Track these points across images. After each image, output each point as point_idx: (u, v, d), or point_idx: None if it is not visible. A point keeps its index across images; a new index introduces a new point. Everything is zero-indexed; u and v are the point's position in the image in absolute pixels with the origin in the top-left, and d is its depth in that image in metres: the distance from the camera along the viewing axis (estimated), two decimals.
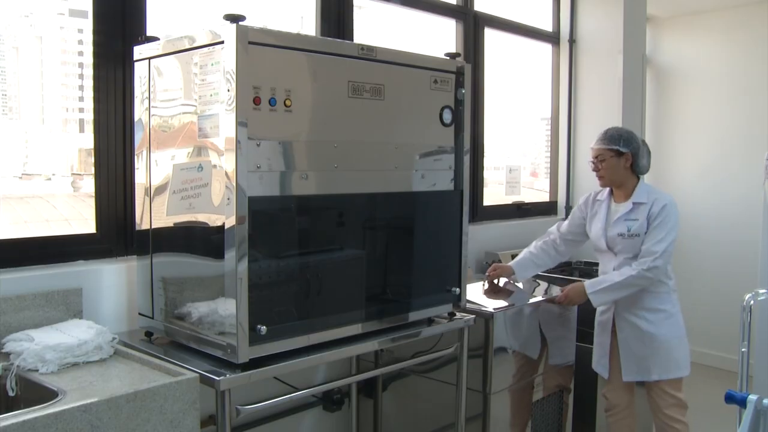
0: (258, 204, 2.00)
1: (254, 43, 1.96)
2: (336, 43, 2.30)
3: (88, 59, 2.52)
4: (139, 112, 2.33)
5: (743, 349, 2.35)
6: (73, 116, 2.80)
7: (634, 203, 3.14)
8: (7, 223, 2.47)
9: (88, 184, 2.58)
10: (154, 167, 2.28)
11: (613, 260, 3.19)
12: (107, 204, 2.53)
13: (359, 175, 2.34)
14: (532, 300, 3.27)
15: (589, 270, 3.99)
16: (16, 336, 2.08)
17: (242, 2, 2.56)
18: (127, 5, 2.52)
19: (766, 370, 4.34)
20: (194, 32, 2.08)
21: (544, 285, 3.61)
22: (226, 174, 1.96)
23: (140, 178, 2.35)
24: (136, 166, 2.38)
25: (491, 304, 3.04)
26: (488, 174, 4.38)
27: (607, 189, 3.27)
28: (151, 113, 2.27)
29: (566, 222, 3.47)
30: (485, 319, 2.95)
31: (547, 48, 4.86)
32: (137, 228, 2.38)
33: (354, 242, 2.39)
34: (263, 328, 2.02)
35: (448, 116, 2.59)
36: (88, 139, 2.57)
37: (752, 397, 2.05)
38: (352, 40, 3.29)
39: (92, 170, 2.53)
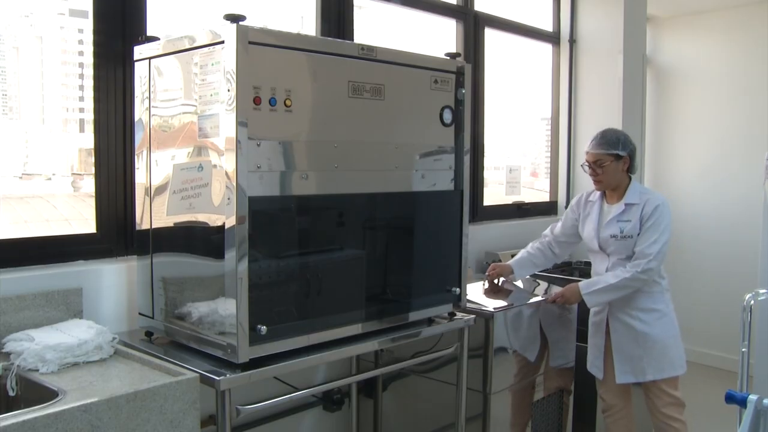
0: (258, 204, 2.00)
1: (254, 43, 1.96)
2: (336, 43, 2.30)
3: (89, 59, 2.52)
4: (140, 112, 2.33)
5: (743, 349, 2.35)
6: (73, 116, 2.80)
7: (626, 204, 3.13)
8: (7, 223, 2.47)
9: (89, 184, 2.58)
10: (154, 167, 2.28)
11: (606, 261, 3.20)
12: (107, 204, 2.53)
13: (359, 175, 2.34)
14: (531, 300, 3.27)
15: (589, 270, 3.97)
16: (17, 336, 2.08)
17: (242, 2, 2.56)
18: (127, 5, 2.52)
19: (767, 370, 4.34)
20: (194, 32, 2.08)
21: (544, 285, 3.61)
22: (227, 174, 1.96)
23: (140, 178, 2.35)
24: (136, 166, 2.38)
25: (491, 304, 3.04)
26: (488, 174, 4.38)
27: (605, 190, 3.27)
28: (152, 113, 2.27)
29: (559, 224, 3.46)
30: (485, 319, 2.95)
31: (547, 48, 4.86)
32: (137, 228, 2.39)
33: (354, 242, 2.39)
34: (263, 328, 2.02)
35: (448, 116, 2.59)
36: (88, 139, 2.57)
37: (752, 397, 2.05)
38: (353, 40, 3.29)
39: (92, 170, 2.53)
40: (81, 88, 2.71)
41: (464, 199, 2.67)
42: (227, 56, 1.94)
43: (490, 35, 4.26)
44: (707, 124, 5.54)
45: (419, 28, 4.00)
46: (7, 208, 2.52)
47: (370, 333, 2.40)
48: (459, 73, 2.62)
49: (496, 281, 3.43)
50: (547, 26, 4.84)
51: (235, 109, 1.93)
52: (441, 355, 2.78)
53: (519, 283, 3.51)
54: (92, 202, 2.53)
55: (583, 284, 3.15)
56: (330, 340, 2.27)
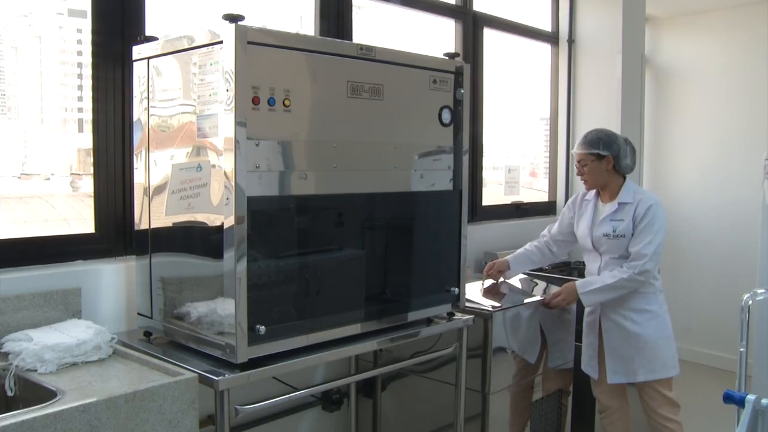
0: (257, 204, 2.00)
1: (253, 43, 1.96)
2: (335, 43, 2.30)
3: (87, 59, 2.52)
4: (138, 111, 2.33)
5: (741, 349, 2.35)
6: (72, 116, 2.80)
7: (619, 203, 3.14)
8: (6, 223, 2.46)
9: (87, 184, 2.58)
10: (153, 167, 2.28)
11: (598, 260, 3.20)
12: (106, 204, 2.53)
13: (358, 175, 2.34)
14: (529, 300, 3.27)
15: None
16: (15, 336, 2.08)
17: (241, 2, 2.56)
18: (126, 5, 2.52)
19: (765, 370, 4.34)
20: (193, 32, 2.08)
21: (542, 284, 3.61)
22: (225, 174, 1.96)
23: (139, 178, 2.35)
24: (135, 166, 2.38)
25: (489, 303, 3.04)
26: (487, 174, 4.38)
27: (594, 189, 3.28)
28: (150, 113, 2.27)
29: (556, 224, 3.47)
30: (484, 319, 2.95)
31: (546, 48, 4.86)
32: (136, 228, 2.38)
33: (353, 242, 2.39)
34: (262, 328, 2.02)
35: (447, 116, 2.59)
36: (87, 139, 2.56)
37: (750, 397, 2.05)
38: (351, 40, 3.29)
39: (91, 170, 2.53)
40: (80, 88, 2.71)
41: (463, 199, 2.67)
42: (226, 56, 1.94)
43: (489, 35, 4.26)
44: (706, 124, 5.54)
45: (418, 28, 4.00)
46: (5, 208, 2.52)
47: (369, 333, 2.40)
48: (458, 73, 2.62)
49: (494, 279, 3.43)
50: (546, 26, 4.84)
51: (233, 109, 1.93)
52: (440, 355, 2.78)
53: (517, 284, 3.51)
54: (91, 202, 2.53)
55: (580, 283, 3.15)
56: (329, 340, 2.27)
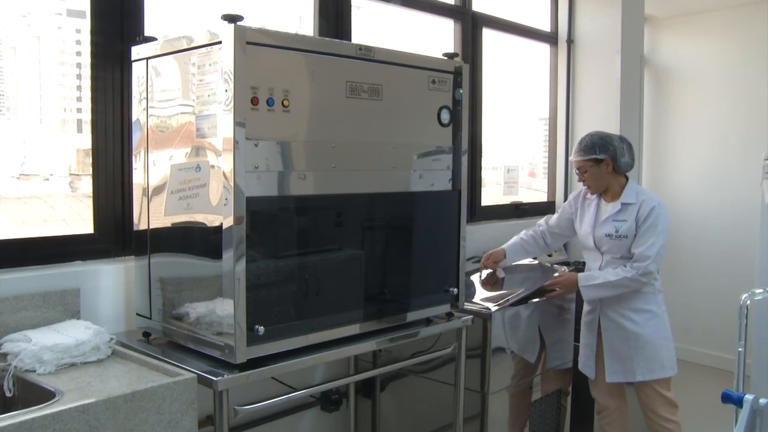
0: (256, 204, 2.00)
1: (252, 44, 1.96)
2: (334, 44, 2.30)
3: (86, 59, 2.52)
4: (137, 112, 2.33)
5: (740, 349, 2.36)
6: (71, 116, 2.80)
7: (622, 204, 3.14)
8: (4, 224, 2.46)
9: (86, 185, 2.58)
10: (151, 167, 2.28)
11: (599, 259, 3.21)
12: (105, 204, 2.53)
13: (357, 175, 2.34)
14: (527, 293, 3.26)
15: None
16: (14, 336, 2.08)
17: (241, 2, 2.56)
18: (125, 5, 2.52)
19: (764, 370, 4.35)
20: (192, 32, 2.08)
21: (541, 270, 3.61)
22: (224, 174, 1.96)
23: (138, 178, 2.35)
24: (133, 167, 2.38)
25: (487, 295, 3.03)
26: (486, 174, 4.38)
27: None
28: (149, 113, 2.27)
29: (555, 216, 3.48)
30: (483, 319, 2.95)
31: (545, 48, 4.86)
32: (135, 228, 2.38)
33: (352, 242, 2.39)
34: (261, 329, 2.01)
35: (446, 116, 2.59)
36: (86, 140, 2.56)
37: (748, 397, 2.05)
38: (350, 40, 3.29)
39: (90, 170, 2.53)
40: (79, 88, 2.71)
41: (462, 199, 2.67)
42: (225, 56, 1.94)
43: (488, 35, 4.26)
44: (705, 124, 5.55)
45: (417, 29, 4.00)
46: (4, 209, 2.52)
47: (368, 333, 2.40)
48: (457, 73, 2.62)
49: (491, 270, 3.42)
50: (545, 26, 4.84)
51: (232, 109, 1.93)
52: (439, 355, 2.78)
53: (516, 271, 3.50)
54: (90, 202, 2.52)
55: (582, 276, 3.15)
56: (328, 341, 2.27)
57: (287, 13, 3.34)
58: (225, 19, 1.93)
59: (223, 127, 1.96)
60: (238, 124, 1.93)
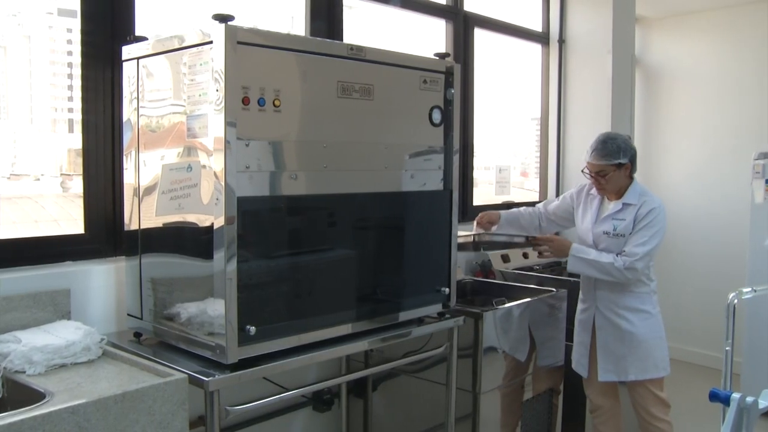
0: (247, 204, 2.00)
1: (243, 43, 1.96)
2: (325, 43, 2.29)
3: (77, 59, 2.51)
4: (128, 112, 2.33)
5: (727, 348, 2.38)
6: (62, 116, 2.79)
7: (623, 204, 3.15)
8: None
9: (78, 185, 2.57)
10: (142, 167, 2.27)
11: None
12: (96, 204, 2.52)
13: (349, 175, 2.34)
14: (518, 239, 3.28)
15: None
16: (3, 337, 2.07)
17: (233, 2, 2.56)
18: (115, 5, 2.51)
19: (754, 368, 4.38)
20: (183, 32, 2.08)
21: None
22: (215, 174, 1.96)
23: (129, 178, 2.34)
24: (124, 167, 2.37)
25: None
26: (478, 174, 4.38)
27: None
28: (140, 113, 2.27)
29: (555, 203, 3.47)
30: (475, 319, 2.95)
31: (536, 48, 4.88)
32: (126, 228, 2.38)
33: (344, 242, 2.39)
34: (252, 329, 2.01)
35: (437, 116, 2.60)
36: (77, 140, 2.55)
37: (735, 396, 2.07)
38: (342, 40, 3.29)
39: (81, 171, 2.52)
40: (70, 88, 2.70)
41: (454, 198, 2.67)
42: (216, 56, 1.93)
43: (480, 35, 4.27)
44: (696, 124, 5.57)
45: (409, 29, 4.01)
46: None
47: (360, 333, 2.40)
48: (448, 73, 2.63)
49: (485, 230, 3.39)
50: (537, 27, 4.85)
51: (223, 109, 1.92)
52: (431, 355, 2.78)
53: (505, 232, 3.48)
54: (81, 202, 2.51)
55: (575, 247, 3.15)
56: (320, 341, 2.27)
57: (280, 13, 3.34)
58: (216, 19, 1.93)
59: (214, 127, 1.96)
60: (229, 124, 1.93)
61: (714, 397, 2.13)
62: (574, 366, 3.36)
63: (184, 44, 2.07)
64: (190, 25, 2.29)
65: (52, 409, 1.65)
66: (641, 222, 3.08)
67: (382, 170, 2.45)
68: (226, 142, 1.93)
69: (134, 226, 2.33)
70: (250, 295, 2.03)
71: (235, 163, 1.96)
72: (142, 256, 2.31)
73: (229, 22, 1.92)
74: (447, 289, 2.66)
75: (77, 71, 2.51)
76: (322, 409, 3.14)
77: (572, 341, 3.41)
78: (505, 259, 4.05)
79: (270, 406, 2.79)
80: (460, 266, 3.86)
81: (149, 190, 2.25)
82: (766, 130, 5.07)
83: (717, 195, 5.40)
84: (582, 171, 3.21)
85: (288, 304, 2.19)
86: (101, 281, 2.46)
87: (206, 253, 2.00)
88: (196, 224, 2.06)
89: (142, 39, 2.30)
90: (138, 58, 2.27)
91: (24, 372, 1.94)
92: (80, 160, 2.53)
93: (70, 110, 2.73)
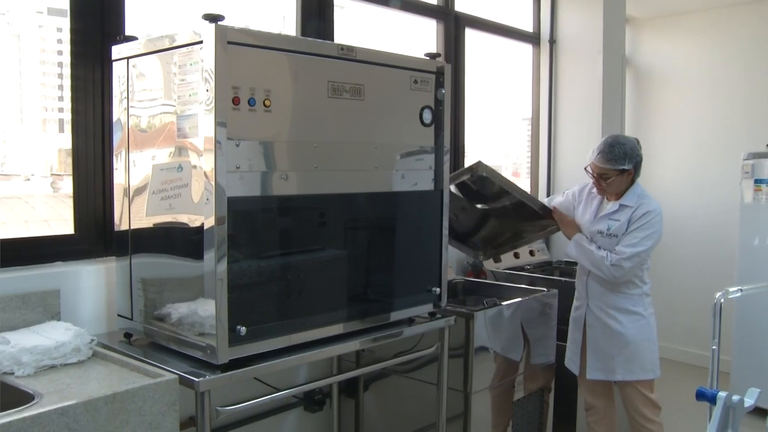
0: (238, 204, 2.00)
1: (233, 43, 1.95)
2: (316, 43, 2.29)
3: (67, 58, 2.50)
4: (118, 112, 2.32)
5: (713, 347, 2.39)
6: (52, 116, 2.77)
7: (621, 205, 3.16)
8: None
9: (68, 185, 2.56)
10: (132, 168, 2.26)
11: None
12: (86, 205, 2.51)
13: (340, 175, 2.34)
14: (533, 204, 3.29)
15: (570, 269, 4.02)
16: None
17: (224, 2, 2.56)
18: (105, 4, 2.50)
19: (742, 367, 4.40)
20: (173, 32, 2.07)
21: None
22: (206, 174, 1.95)
23: (119, 178, 2.33)
24: (114, 167, 2.36)
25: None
26: None
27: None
28: (130, 113, 2.26)
29: (559, 199, 3.49)
30: (466, 318, 2.96)
31: (527, 48, 4.89)
32: (116, 229, 2.37)
33: (335, 242, 2.39)
34: (243, 329, 2.01)
35: (428, 116, 2.60)
36: (67, 140, 2.54)
37: (722, 394, 2.08)
38: (333, 40, 3.29)
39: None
40: (60, 87, 2.69)
41: (444, 198, 2.68)
42: (206, 56, 1.93)
43: (471, 35, 4.28)
44: (686, 124, 5.60)
45: (400, 29, 4.01)
46: None
47: (351, 333, 2.40)
48: (439, 73, 2.63)
49: None
50: (528, 27, 4.86)
51: (213, 109, 1.92)
52: (422, 354, 2.78)
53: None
54: (71, 202, 2.50)
55: (579, 235, 3.21)
56: (311, 341, 2.27)
57: (271, 13, 3.34)
58: (206, 19, 1.92)
59: (204, 127, 1.96)
60: (219, 124, 1.93)
61: (701, 396, 2.15)
62: (566, 363, 3.38)
63: (175, 44, 2.06)
64: (181, 24, 2.28)
65: (41, 410, 1.64)
66: (635, 223, 3.10)
67: (373, 170, 2.45)
68: (217, 142, 1.93)
69: (124, 227, 2.32)
70: (241, 295, 2.03)
71: (226, 163, 1.95)
72: (132, 256, 2.30)
73: (220, 22, 1.92)
74: (438, 289, 2.67)
75: (67, 71, 2.50)
76: (314, 409, 3.14)
77: (564, 341, 3.43)
78: (497, 259, 4.06)
79: (261, 406, 2.79)
80: (452, 266, 3.87)
81: (139, 190, 2.24)
82: (755, 130, 5.10)
83: (707, 195, 5.43)
84: (585, 168, 3.22)
85: (279, 305, 2.19)
86: (91, 282, 2.45)
87: (197, 254, 2.00)
88: (187, 224, 2.06)
89: (132, 39, 2.29)
90: (128, 58, 2.26)
91: (13, 373, 1.93)
92: (70, 160, 2.52)
93: (61, 110, 2.71)
